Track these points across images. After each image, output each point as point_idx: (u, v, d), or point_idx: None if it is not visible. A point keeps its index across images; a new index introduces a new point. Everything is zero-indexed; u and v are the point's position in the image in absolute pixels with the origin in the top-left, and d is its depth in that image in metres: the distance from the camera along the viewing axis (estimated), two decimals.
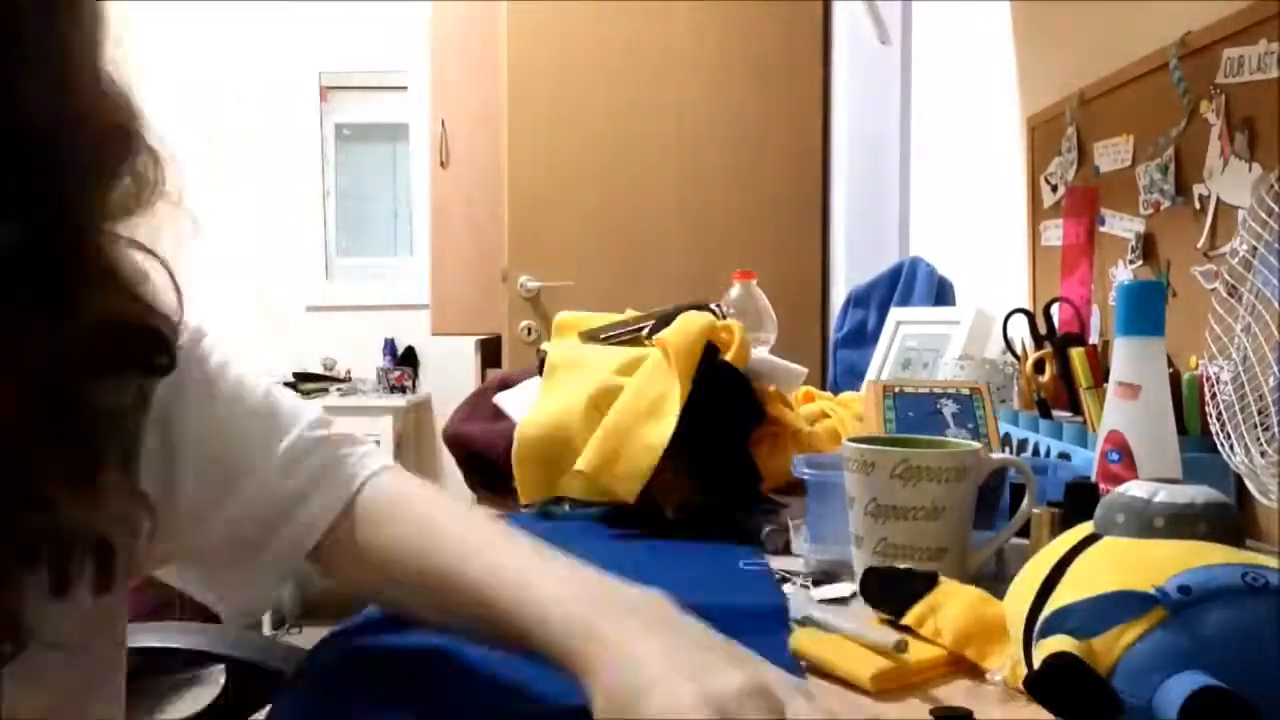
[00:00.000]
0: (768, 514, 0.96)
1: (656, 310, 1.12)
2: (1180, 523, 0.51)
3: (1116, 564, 0.50)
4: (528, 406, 1.18)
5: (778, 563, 0.88)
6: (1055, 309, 1.23)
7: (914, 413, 0.97)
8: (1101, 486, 0.74)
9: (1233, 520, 0.52)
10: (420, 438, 4.07)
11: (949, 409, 0.97)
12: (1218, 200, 0.96)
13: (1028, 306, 1.30)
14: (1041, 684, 0.46)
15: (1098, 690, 0.45)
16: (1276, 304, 0.76)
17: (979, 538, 0.77)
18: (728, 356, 1.02)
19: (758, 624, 0.63)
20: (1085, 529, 0.55)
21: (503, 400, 1.20)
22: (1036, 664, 0.47)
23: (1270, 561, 0.46)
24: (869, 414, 1.00)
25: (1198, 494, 0.52)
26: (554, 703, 0.52)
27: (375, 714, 0.55)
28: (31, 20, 0.46)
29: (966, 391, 0.99)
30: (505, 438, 1.20)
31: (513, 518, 1.08)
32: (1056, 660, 0.46)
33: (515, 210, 2.54)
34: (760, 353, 1.15)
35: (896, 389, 0.99)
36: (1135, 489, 0.54)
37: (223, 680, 1.00)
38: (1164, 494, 0.52)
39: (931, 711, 0.52)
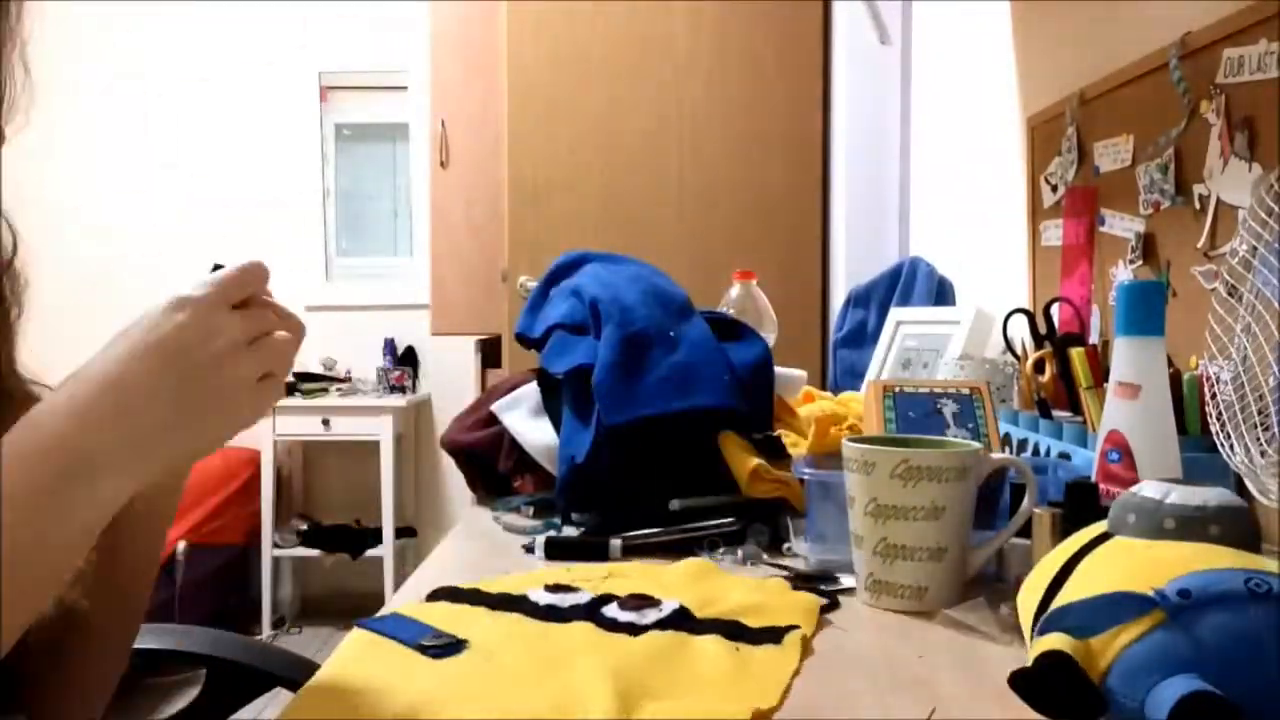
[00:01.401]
0: (765, 517, 0.97)
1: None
2: (1191, 524, 0.51)
3: (1121, 564, 0.50)
4: (522, 418, 1.18)
5: (781, 562, 0.89)
6: (1055, 309, 1.23)
7: (914, 412, 0.97)
8: (1102, 486, 0.74)
9: (1246, 523, 0.51)
10: (420, 438, 4.07)
11: (949, 409, 0.97)
12: (1218, 200, 0.96)
13: (1028, 306, 1.30)
14: (1028, 681, 0.46)
15: (1084, 689, 0.45)
16: (1276, 304, 0.76)
17: (979, 537, 0.77)
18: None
19: None
20: (1099, 528, 0.55)
21: (499, 409, 1.20)
22: (1030, 661, 0.47)
23: (1276, 566, 0.46)
24: (869, 413, 1.00)
25: (1210, 496, 0.52)
26: None
27: None
28: None
29: (967, 391, 0.99)
30: (500, 441, 1.20)
31: (510, 519, 1.08)
32: (1045, 658, 0.46)
33: (515, 210, 2.54)
34: None
35: (897, 388, 0.99)
36: (1148, 489, 0.54)
37: (201, 681, 1.00)
38: (1176, 495, 0.52)
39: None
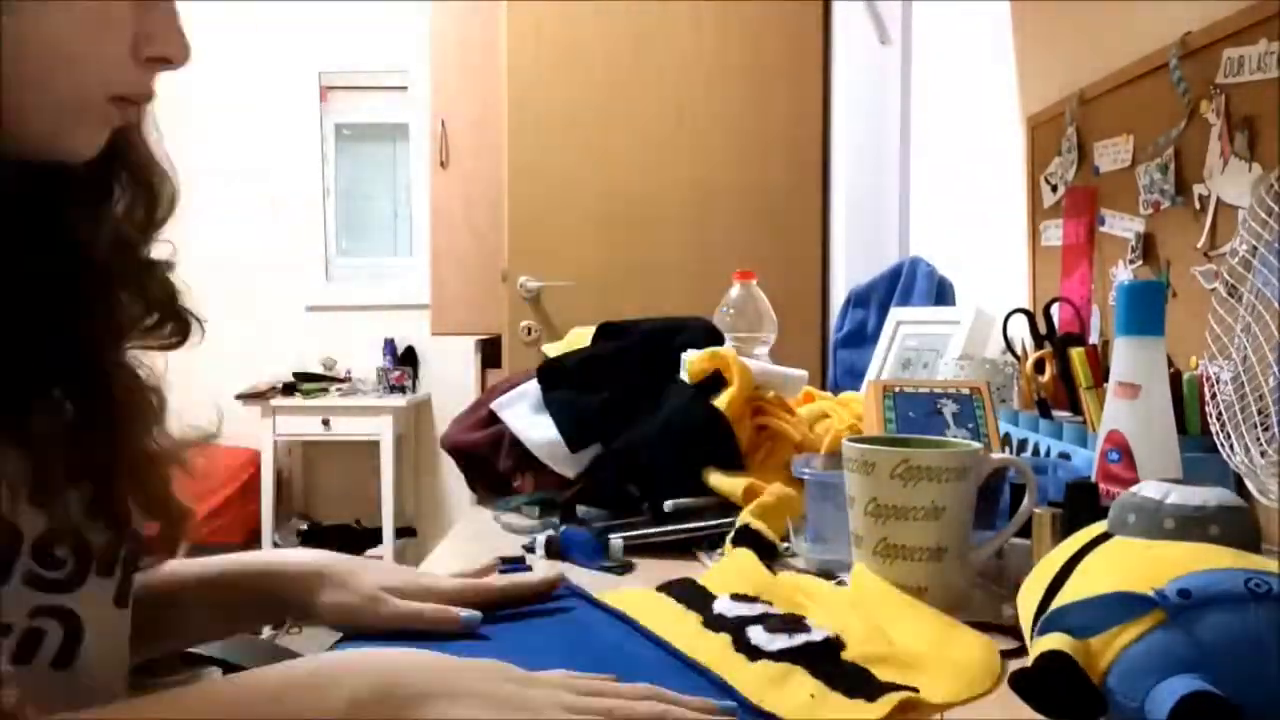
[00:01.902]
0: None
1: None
2: (1191, 525, 0.51)
3: (1121, 564, 0.50)
4: (522, 415, 1.18)
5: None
6: (1055, 309, 1.24)
7: (914, 412, 0.97)
8: (1102, 486, 0.74)
9: (1246, 523, 0.51)
10: (420, 438, 4.07)
11: (949, 409, 0.97)
12: (1218, 200, 0.96)
13: (1028, 306, 1.30)
14: (1028, 681, 0.46)
15: (1084, 690, 0.45)
16: (1276, 304, 0.76)
17: (979, 537, 0.77)
18: (723, 404, 1.04)
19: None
20: (1099, 528, 0.55)
21: (498, 406, 1.21)
22: (1030, 662, 0.47)
23: (1276, 566, 0.46)
24: (869, 414, 1.00)
25: (1210, 496, 0.52)
26: None
27: None
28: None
29: (967, 391, 0.99)
30: (501, 441, 1.20)
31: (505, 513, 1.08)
32: (1045, 659, 0.46)
33: (515, 210, 2.54)
34: (761, 364, 1.15)
35: (897, 389, 0.99)
36: (1148, 489, 0.54)
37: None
38: (1175, 495, 0.52)
39: None
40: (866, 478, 0.73)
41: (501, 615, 0.71)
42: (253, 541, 3.70)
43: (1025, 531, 0.74)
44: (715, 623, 0.69)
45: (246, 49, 4.05)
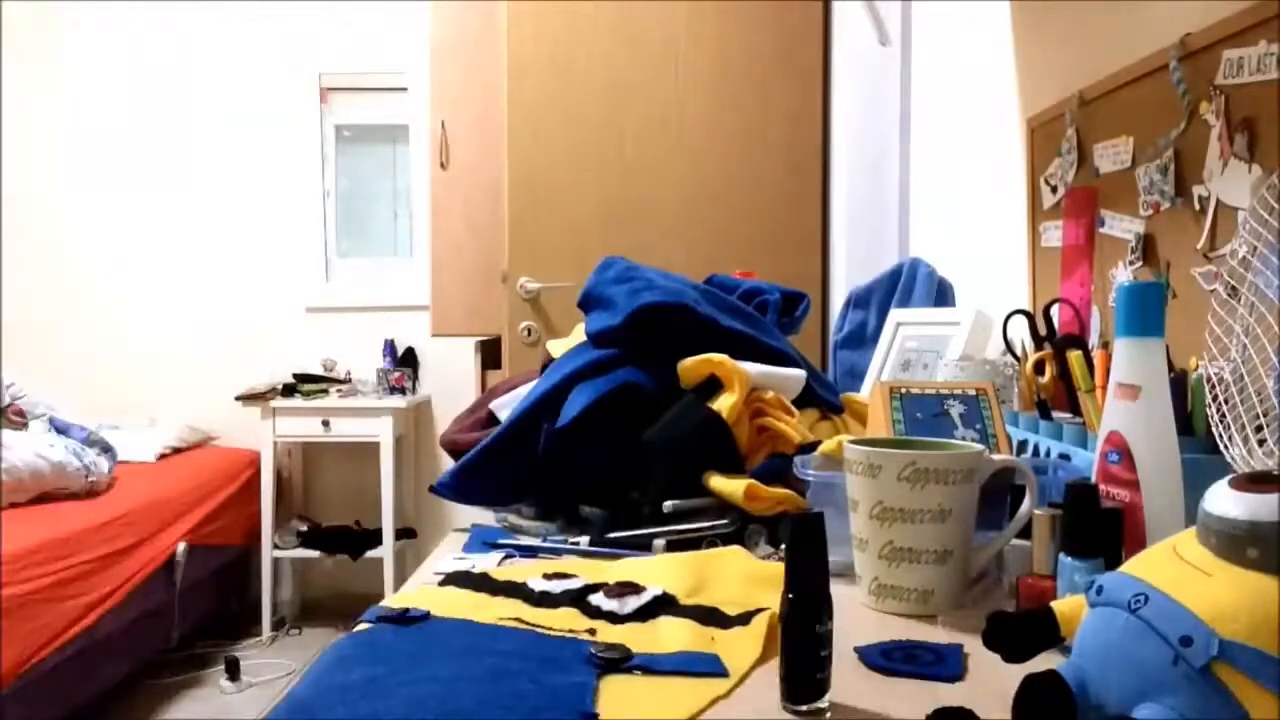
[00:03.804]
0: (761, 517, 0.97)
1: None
2: (1230, 545, 0.44)
3: (1148, 554, 0.49)
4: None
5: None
6: (1055, 310, 1.24)
7: (922, 413, 0.97)
8: (1102, 488, 0.74)
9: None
10: (420, 439, 4.07)
11: (956, 409, 0.97)
12: (1217, 201, 0.96)
13: (1027, 308, 1.30)
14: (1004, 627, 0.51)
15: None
16: (1277, 304, 0.76)
17: (981, 538, 0.77)
18: (723, 409, 1.04)
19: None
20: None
21: (498, 406, 1.21)
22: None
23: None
24: (875, 415, 0.99)
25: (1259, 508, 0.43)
26: None
27: None
28: None
29: (973, 392, 0.99)
30: None
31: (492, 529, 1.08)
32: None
33: (515, 211, 2.54)
34: (758, 365, 1.15)
35: (904, 390, 0.99)
36: (1222, 494, 0.45)
37: None
38: (1239, 508, 0.44)
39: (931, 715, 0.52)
40: (872, 480, 0.73)
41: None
42: (253, 542, 3.70)
43: (1026, 533, 0.74)
44: (543, 600, 0.73)
45: (246, 50, 4.05)
